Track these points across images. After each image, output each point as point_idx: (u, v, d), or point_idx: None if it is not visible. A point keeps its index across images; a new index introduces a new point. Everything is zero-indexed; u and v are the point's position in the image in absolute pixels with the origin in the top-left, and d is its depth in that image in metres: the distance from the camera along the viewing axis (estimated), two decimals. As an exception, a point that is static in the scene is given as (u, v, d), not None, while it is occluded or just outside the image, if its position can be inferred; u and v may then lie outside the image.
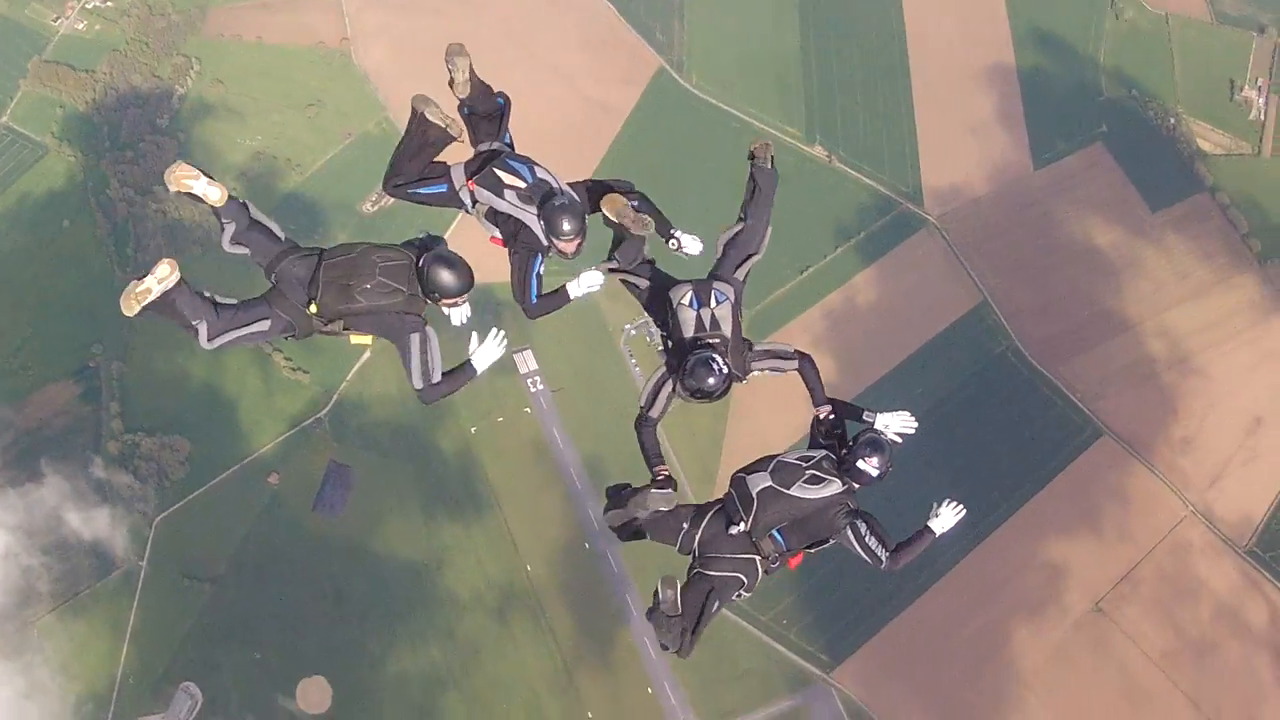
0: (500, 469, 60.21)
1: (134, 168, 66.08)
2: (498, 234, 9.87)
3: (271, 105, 68.47)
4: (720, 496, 9.90)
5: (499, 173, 9.59)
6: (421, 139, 9.74)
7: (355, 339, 9.23)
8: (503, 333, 9.33)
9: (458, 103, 10.08)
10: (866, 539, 9.07)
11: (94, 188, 66.43)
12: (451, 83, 9.94)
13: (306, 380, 62.25)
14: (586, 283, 9.58)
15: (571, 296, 9.62)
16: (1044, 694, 55.70)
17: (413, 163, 9.90)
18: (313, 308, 8.97)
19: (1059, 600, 57.30)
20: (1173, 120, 66.77)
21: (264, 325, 9.10)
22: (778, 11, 72.13)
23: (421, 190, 10.10)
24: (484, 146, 10.10)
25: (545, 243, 9.38)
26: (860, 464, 9.05)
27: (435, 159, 9.95)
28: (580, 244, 9.31)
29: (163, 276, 8.61)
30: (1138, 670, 55.78)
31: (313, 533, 58.93)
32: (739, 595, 9.63)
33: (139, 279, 8.60)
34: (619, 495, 10.23)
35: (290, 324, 9.14)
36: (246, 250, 9.29)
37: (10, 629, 57.95)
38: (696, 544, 9.69)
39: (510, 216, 9.57)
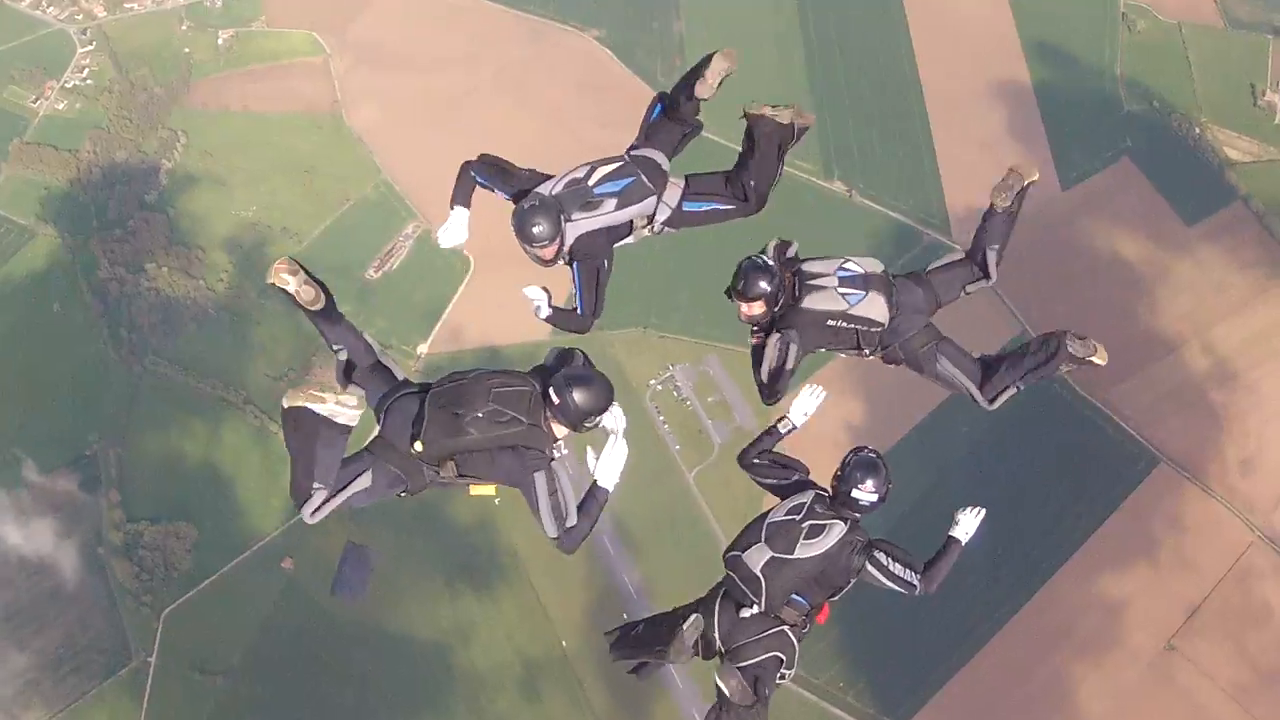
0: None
1: (124, 246, 62.67)
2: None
3: (263, 174, 65.07)
4: (719, 581, 8.77)
5: (610, 162, 8.57)
6: (692, 76, 8.60)
7: (476, 490, 7.89)
8: (623, 426, 7.93)
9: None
10: (892, 568, 8.32)
11: (83, 269, 63.03)
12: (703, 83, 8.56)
13: None
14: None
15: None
16: None
17: (685, 104, 8.74)
18: (417, 445, 7.54)
19: (1127, 641, 53.21)
20: (1197, 130, 63.12)
21: (365, 481, 7.67)
22: (782, 44, 68.68)
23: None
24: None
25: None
26: (856, 493, 8.27)
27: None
28: (556, 254, 8.28)
29: (347, 404, 7.30)
30: (1213, 705, 51.75)
31: (332, 618, 55.13)
32: (783, 676, 8.48)
33: (321, 387, 7.35)
34: (632, 640, 9.20)
35: (398, 476, 7.74)
36: (363, 391, 7.91)
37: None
38: (719, 643, 8.53)
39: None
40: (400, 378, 8.12)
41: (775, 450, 9.25)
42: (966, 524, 8.56)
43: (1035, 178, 8.85)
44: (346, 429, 7.30)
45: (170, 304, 61.79)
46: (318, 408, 7.18)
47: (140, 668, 55.25)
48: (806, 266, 9.00)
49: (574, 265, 8.46)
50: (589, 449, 7.85)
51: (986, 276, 9.36)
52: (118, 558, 56.86)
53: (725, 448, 55.45)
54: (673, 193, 8.81)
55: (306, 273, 8.15)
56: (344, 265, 62.01)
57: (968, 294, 9.50)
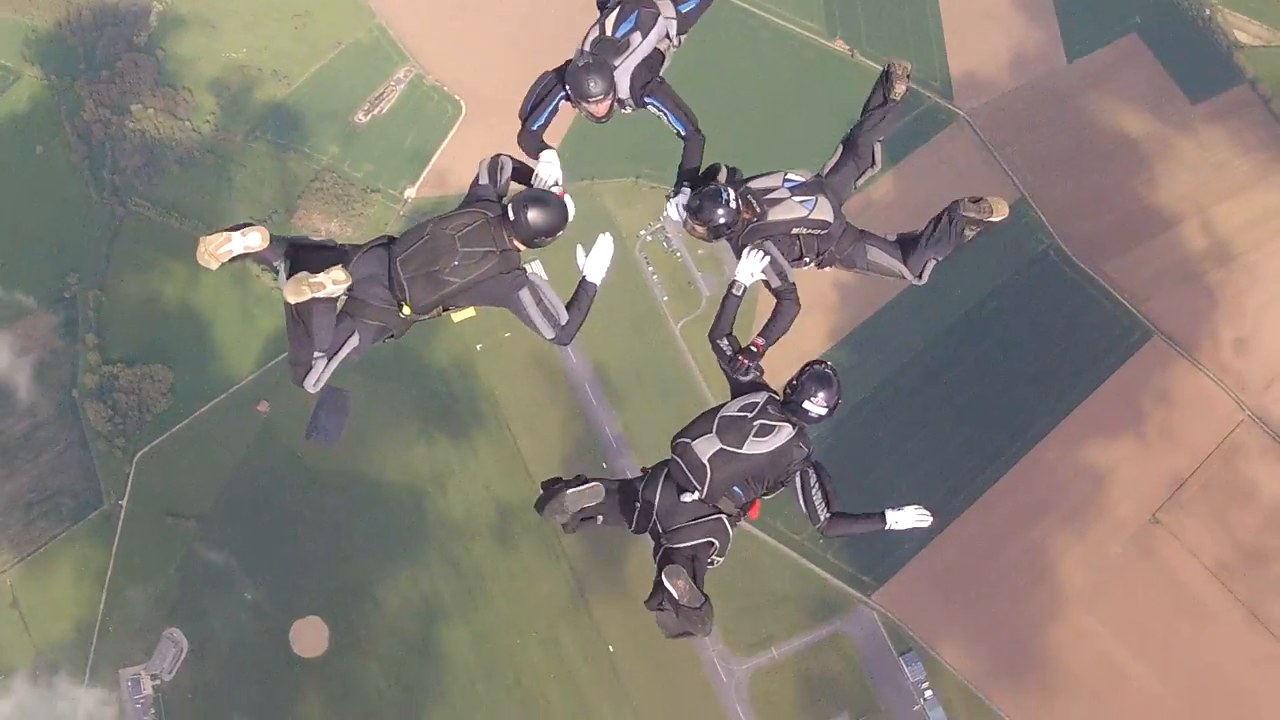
0: (508, 387, 55.31)
1: (110, 87, 61.06)
2: None
3: (255, 17, 63.29)
4: (662, 461, 9.09)
5: (617, 10, 9.41)
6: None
7: (457, 316, 8.62)
8: (610, 238, 8.74)
9: None
10: (812, 492, 8.71)
11: (68, 110, 61.52)
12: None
13: None
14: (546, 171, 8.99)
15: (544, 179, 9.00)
16: (1098, 610, 51.21)
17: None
18: (406, 310, 8.27)
19: (1112, 512, 52.50)
20: (1207, 11, 61.18)
21: (354, 341, 8.37)
22: (789, -100, 67.56)
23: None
24: None
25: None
26: (807, 404, 8.60)
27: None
28: (611, 108, 9.17)
29: (339, 280, 7.95)
30: (1194, 581, 51.32)
31: (306, 464, 54.50)
32: (713, 561, 8.89)
33: (314, 273, 7.86)
34: (551, 489, 9.27)
35: (382, 328, 8.45)
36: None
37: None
38: (655, 519, 8.95)
39: None
40: (335, 244, 8.54)
41: (736, 340, 9.44)
42: (906, 518, 8.73)
43: (1004, 215, 9.14)
44: (335, 299, 8.01)
45: (155, 146, 60.41)
46: (321, 294, 7.81)
47: (111, 511, 54.82)
48: (754, 184, 9.42)
49: (650, 101, 9.41)
50: (578, 247, 8.63)
51: (872, 163, 9.83)
52: (91, 400, 56.08)
53: (713, 300, 53.43)
54: (666, 5, 9.62)
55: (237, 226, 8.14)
56: (332, 109, 61.21)
57: (857, 189, 9.91)
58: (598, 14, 9.68)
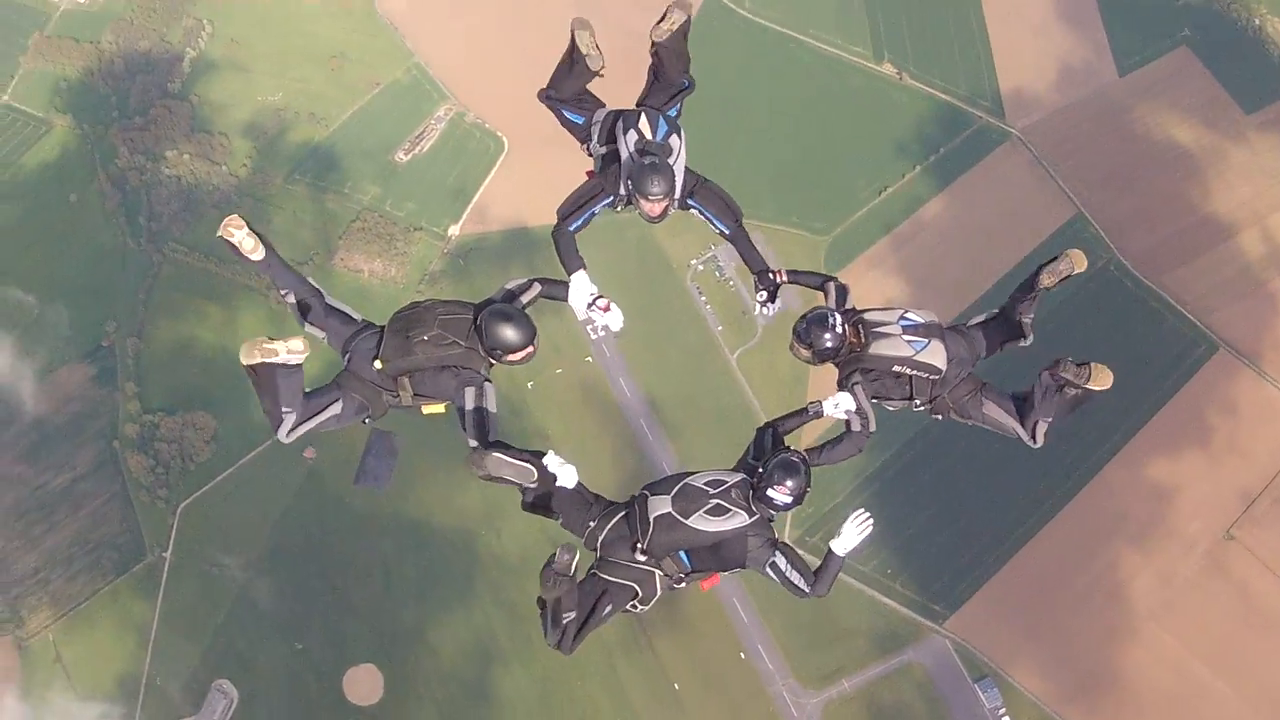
0: (561, 423, 54.20)
1: (144, 134, 60.96)
2: (596, 169, 9.76)
3: (291, 61, 63.28)
4: (632, 497, 9.14)
5: (643, 117, 9.52)
6: (569, 60, 9.64)
7: (428, 409, 8.96)
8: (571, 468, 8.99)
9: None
10: (789, 574, 8.83)
11: (102, 159, 61.38)
12: (583, 56, 9.59)
13: None
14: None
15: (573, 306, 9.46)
16: (1175, 629, 49.77)
17: (566, 83, 9.83)
18: (376, 364, 8.68)
19: (1184, 530, 51.22)
20: (1256, 21, 60.85)
21: (336, 409, 8.81)
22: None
23: (564, 111, 10.03)
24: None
25: (623, 193, 9.35)
26: (772, 491, 8.53)
27: (590, 91, 9.98)
28: (666, 209, 9.39)
29: (294, 350, 8.22)
30: (1272, 595, 49.95)
31: (355, 509, 53.42)
32: (634, 606, 9.02)
33: (270, 339, 8.21)
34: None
35: (363, 403, 8.89)
36: (322, 334, 9.13)
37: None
38: (599, 544, 9.04)
39: (617, 156, 9.43)
40: (358, 319, 9.10)
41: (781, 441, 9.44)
42: (847, 537, 8.86)
43: (1083, 268, 9.32)
44: (299, 366, 8.27)
45: (191, 191, 60.15)
46: (273, 360, 8.11)
47: (155, 563, 53.81)
48: (869, 315, 9.35)
49: (692, 203, 9.64)
50: (550, 453, 8.90)
51: (1024, 336, 9.64)
52: (132, 451, 55.22)
53: (769, 330, 53.64)
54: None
55: (250, 228, 8.65)
56: (372, 149, 60.91)
57: (1003, 351, 9.70)
58: (599, 105, 10.04)
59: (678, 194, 9.43)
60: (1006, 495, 51.72)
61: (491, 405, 8.65)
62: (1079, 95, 59.94)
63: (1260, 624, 49.63)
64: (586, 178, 9.72)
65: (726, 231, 9.82)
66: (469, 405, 8.50)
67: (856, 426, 9.17)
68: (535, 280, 9.29)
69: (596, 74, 9.62)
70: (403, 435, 53.65)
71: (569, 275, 9.29)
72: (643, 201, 9.19)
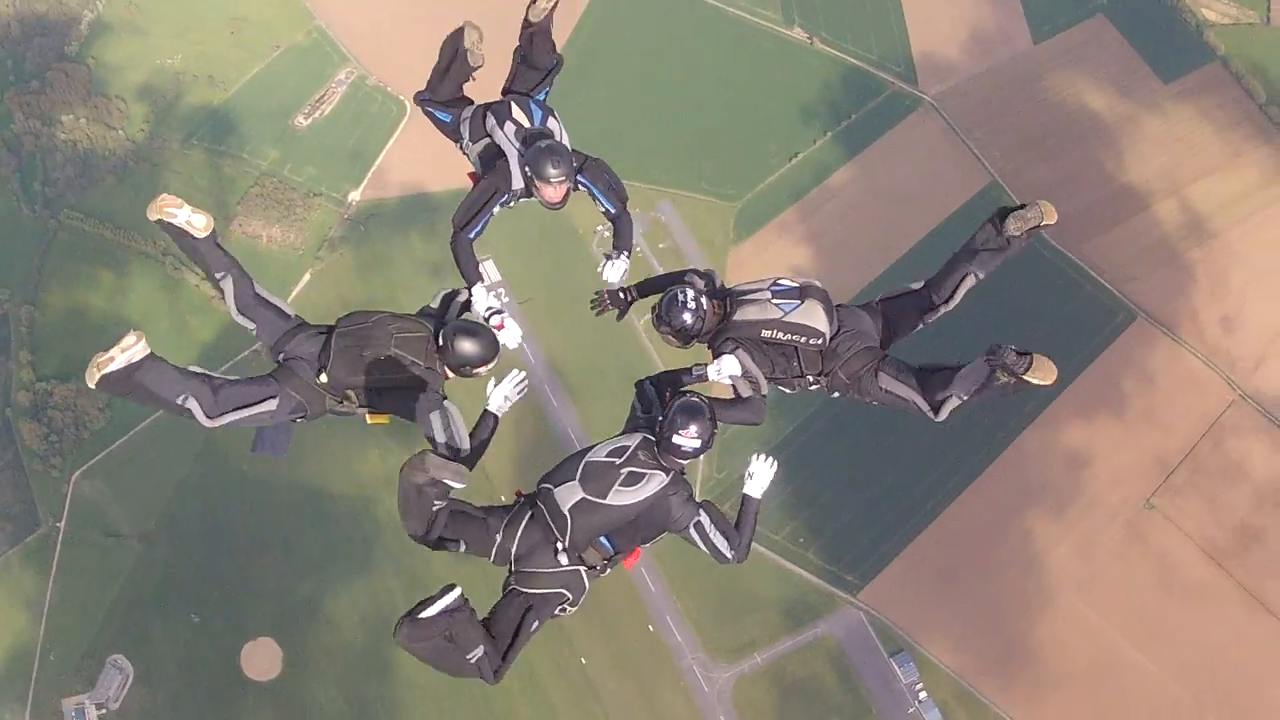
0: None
1: (40, 98, 59.17)
2: (477, 169, 9.41)
3: (190, 24, 61.62)
4: (529, 495, 8.34)
5: (514, 106, 9.23)
6: (448, 60, 9.34)
7: (372, 419, 8.54)
8: (523, 375, 8.57)
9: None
10: (712, 536, 8.06)
11: (-4, 125, 59.50)
12: (465, 52, 9.20)
13: None
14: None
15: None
16: (1094, 599, 49.48)
17: (443, 83, 9.56)
18: (323, 377, 8.23)
19: (1103, 500, 50.81)
20: (1176, -10, 61.06)
21: (271, 405, 8.23)
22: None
23: (435, 113, 9.71)
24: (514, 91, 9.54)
25: (519, 185, 8.94)
26: (677, 438, 7.76)
27: (463, 92, 9.68)
28: (567, 193, 8.95)
29: (127, 346, 7.54)
30: (1191, 565, 49.83)
31: (253, 477, 51.99)
32: (563, 609, 8.24)
33: (104, 350, 7.47)
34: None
35: (301, 403, 8.33)
36: (253, 325, 8.52)
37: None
38: (514, 557, 8.14)
39: (499, 151, 9.11)
40: (291, 314, 8.58)
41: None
42: (760, 476, 8.36)
43: (1054, 221, 8.60)
44: (148, 359, 7.64)
45: (87, 156, 58.50)
46: (110, 369, 7.45)
47: (49, 534, 52.34)
48: (738, 286, 8.86)
49: (580, 180, 9.04)
50: (490, 380, 8.36)
51: (948, 301, 8.78)
52: (25, 419, 53.43)
53: (676, 294, 52.53)
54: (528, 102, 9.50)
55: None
56: (271, 113, 59.60)
57: (927, 324, 8.96)
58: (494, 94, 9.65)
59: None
60: (921, 462, 51.00)
61: (458, 420, 8.15)
62: (993, 62, 59.56)
63: (1180, 594, 49.33)
64: (471, 181, 9.29)
65: (612, 210, 9.30)
66: (439, 438, 8.01)
67: (746, 392, 8.58)
68: (462, 290, 8.91)
69: (473, 72, 9.36)
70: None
71: (469, 287, 8.89)
72: (544, 188, 8.78)
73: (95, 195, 57.77)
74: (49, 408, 53.52)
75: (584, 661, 49.52)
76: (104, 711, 49.56)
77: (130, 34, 61.96)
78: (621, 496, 7.86)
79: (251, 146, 58.73)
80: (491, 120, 9.13)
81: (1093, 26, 60.07)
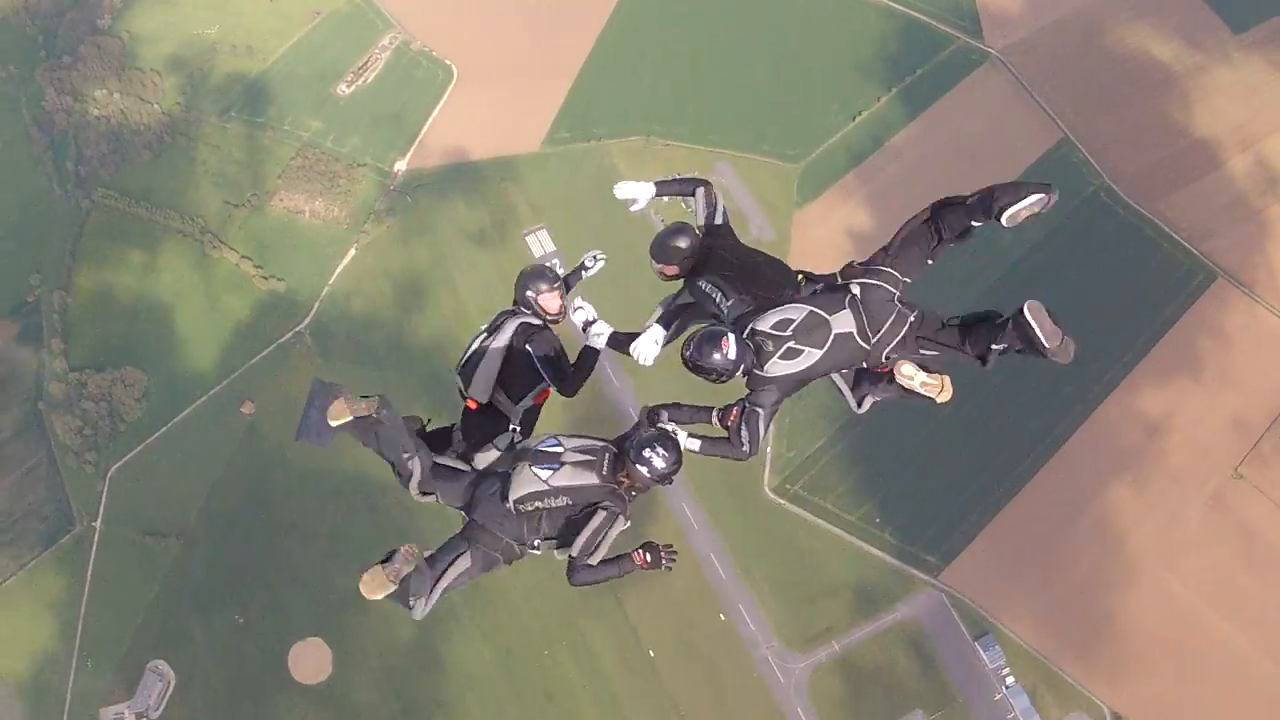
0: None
1: (71, 73, 52.71)
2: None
3: (227, -9, 55.18)
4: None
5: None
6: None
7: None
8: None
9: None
10: (598, 538, 7.44)
11: (27, 102, 52.78)
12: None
13: (282, 288, 48.16)
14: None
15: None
16: (1181, 573, 41.97)
17: None
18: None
19: (1189, 470, 43.13)
20: (1246, -63, 52.96)
21: (464, 563, 7.61)
22: None
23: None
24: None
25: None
26: (643, 460, 7.22)
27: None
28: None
29: (401, 575, 7.17)
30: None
31: (298, 466, 45.38)
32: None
33: (383, 563, 7.15)
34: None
35: (495, 557, 7.67)
36: (432, 497, 7.84)
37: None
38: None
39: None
40: (466, 469, 8.02)
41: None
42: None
43: (944, 399, 7.47)
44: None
45: (121, 132, 51.79)
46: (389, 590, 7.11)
47: (84, 534, 46.27)
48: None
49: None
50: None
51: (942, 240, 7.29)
52: (59, 413, 46.86)
53: (729, 258, 45.22)
54: None
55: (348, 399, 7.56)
56: (313, 81, 53.01)
57: (932, 264, 7.50)
58: None
59: None
60: (999, 437, 43.80)
61: (613, 537, 7.42)
62: (1061, 14, 52.03)
63: (1272, 566, 41.72)
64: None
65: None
66: (593, 524, 7.34)
67: (737, 442, 7.56)
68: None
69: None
70: (349, 385, 45.20)
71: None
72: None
73: (129, 172, 51.19)
74: (83, 399, 46.97)
75: (652, 654, 42.46)
76: (144, 721, 43.63)
77: (164, 5, 55.60)
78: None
79: (292, 117, 52.05)
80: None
81: (1160, -25, 52.07)
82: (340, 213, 48.95)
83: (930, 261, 7.29)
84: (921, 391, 7.26)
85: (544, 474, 7.38)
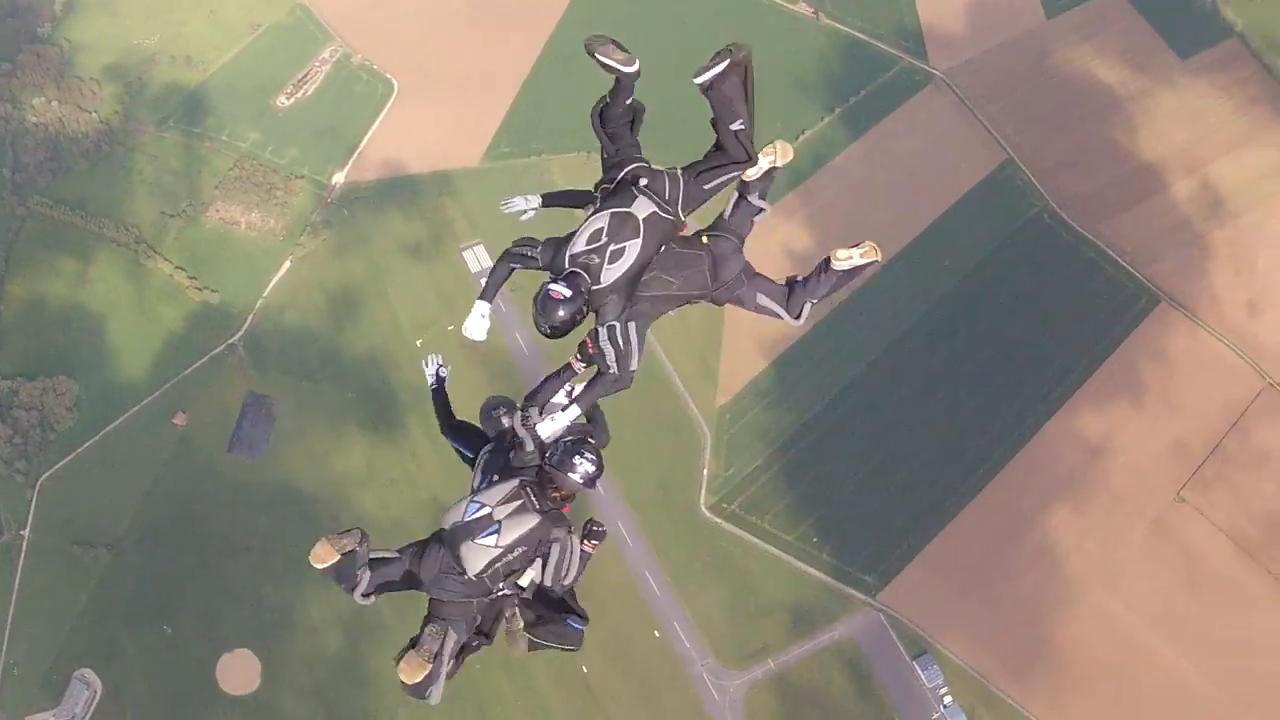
0: (453, 381, 44.31)
1: (11, 81, 51.40)
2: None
3: (166, 3, 54.07)
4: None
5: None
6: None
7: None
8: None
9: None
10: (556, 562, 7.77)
11: (-38, 111, 51.68)
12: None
13: (216, 300, 47.22)
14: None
15: None
16: (1123, 595, 41.94)
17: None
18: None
19: (1130, 493, 43.06)
20: (1190, -36, 52.88)
21: (454, 637, 7.88)
22: None
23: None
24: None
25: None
26: (572, 468, 7.55)
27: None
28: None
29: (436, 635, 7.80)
30: (1220, 558, 42.36)
31: (229, 478, 44.50)
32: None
33: (412, 647, 7.83)
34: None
35: (473, 618, 8.02)
36: (377, 597, 7.99)
37: None
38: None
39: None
40: (397, 554, 8.04)
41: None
42: (545, 428, 7.82)
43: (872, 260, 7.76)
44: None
45: (59, 140, 50.68)
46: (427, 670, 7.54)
47: (12, 542, 44.86)
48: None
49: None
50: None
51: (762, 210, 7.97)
52: (-12, 420, 45.65)
53: (680, 294, 44.60)
54: None
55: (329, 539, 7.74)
56: (252, 93, 52.01)
57: (755, 224, 8.13)
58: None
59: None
60: (940, 458, 43.54)
61: (575, 557, 7.81)
62: (1005, 36, 51.74)
63: (1210, 586, 41.90)
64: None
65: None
66: (554, 554, 7.71)
67: (603, 367, 7.59)
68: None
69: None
70: (283, 400, 44.92)
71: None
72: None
73: (66, 181, 50.22)
74: (14, 407, 45.70)
75: (585, 670, 41.61)
76: (70, 729, 42.81)
77: (105, 15, 54.50)
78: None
79: (231, 129, 51.16)
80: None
81: (1105, 1, 51.57)
82: (276, 225, 48.08)
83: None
84: (862, 262, 7.42)
85: (489, 541, 7.44)
